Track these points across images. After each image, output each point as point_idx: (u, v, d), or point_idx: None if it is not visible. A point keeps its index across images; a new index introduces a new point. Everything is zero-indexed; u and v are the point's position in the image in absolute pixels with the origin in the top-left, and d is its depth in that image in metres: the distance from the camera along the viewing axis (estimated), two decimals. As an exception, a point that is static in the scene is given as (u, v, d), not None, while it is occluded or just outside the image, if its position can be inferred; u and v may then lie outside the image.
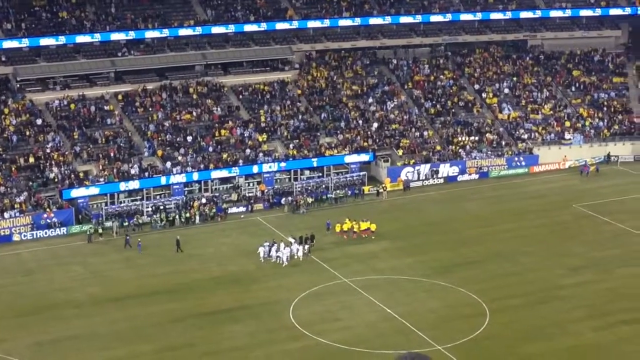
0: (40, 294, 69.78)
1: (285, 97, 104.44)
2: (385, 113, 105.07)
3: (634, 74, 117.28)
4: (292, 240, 77.48)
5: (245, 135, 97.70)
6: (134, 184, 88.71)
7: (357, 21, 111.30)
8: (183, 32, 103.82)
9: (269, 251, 75.43)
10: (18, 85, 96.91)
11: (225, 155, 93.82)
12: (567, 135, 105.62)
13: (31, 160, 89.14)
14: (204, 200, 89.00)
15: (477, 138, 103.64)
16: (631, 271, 73.12)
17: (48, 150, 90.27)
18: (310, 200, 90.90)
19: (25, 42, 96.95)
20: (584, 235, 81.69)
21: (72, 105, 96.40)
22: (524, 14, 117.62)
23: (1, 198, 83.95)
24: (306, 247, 76.78)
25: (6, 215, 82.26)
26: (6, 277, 73.62)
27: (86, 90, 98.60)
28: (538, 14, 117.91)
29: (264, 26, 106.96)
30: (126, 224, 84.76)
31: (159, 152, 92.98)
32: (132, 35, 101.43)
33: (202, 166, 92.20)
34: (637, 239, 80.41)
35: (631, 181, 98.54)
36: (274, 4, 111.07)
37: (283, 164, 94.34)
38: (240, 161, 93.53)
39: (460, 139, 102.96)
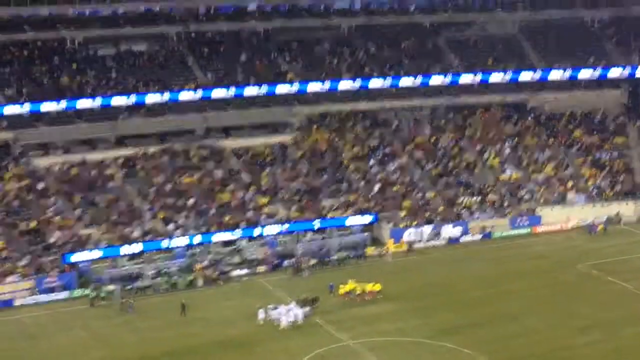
0: (43, 359, 68.97)
1: (286, 159, 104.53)
2: (387, 175, 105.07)
3: (635, 134, 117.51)
4: (293, 304, 76.76)
5: (247, 198, 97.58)
6: (136, 247, 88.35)
7: (357, 83, 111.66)
8: (183, 95, 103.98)
9: (272, 313, 74.79)
10: (19, 150, 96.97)
11: (227, 218, 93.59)
12: (569, 196, 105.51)
13: (32, 224, 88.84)
14: (206, 263, 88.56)
15: (479, 199, 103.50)
16: (638, 331, 72.46)
17: (50, 215, 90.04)
18: (313, 262, 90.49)
19: (26, 108, 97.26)
20: (590, 295, 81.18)
21: (74, 170, 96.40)
22: (524, 75, 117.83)
23: (3, 263, 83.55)
24: (307, 309, 76.19)
25: (8, 279, 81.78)
26: (7, 342, 72.80)
27: (87, 154, 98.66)
28: (537, 74, 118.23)
29: (264, 89, 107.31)
30: (129, 287, 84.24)
31: (161, 215, 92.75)
32: (133, 99, 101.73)
33: (203, 229, 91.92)
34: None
35: (635, 240, 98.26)
36: (274, 67, 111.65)
37: (285, 226, 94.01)
38: (242, 224, 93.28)
39: (462, 199, 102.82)
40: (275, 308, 75.32)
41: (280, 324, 73.81)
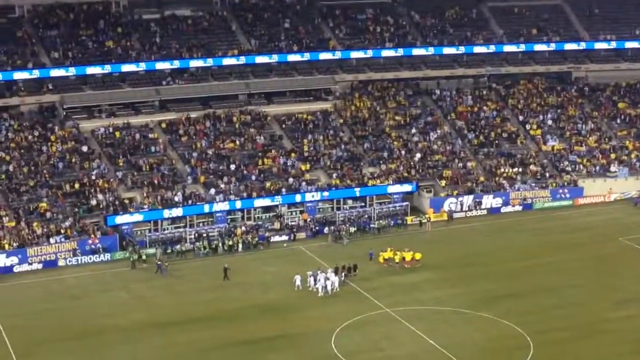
0: (85, 318, 70.22)
1: (328, 126, 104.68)
2: (428, 144, 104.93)
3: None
4: (329, 271, 77.04)
5: (288, 164, 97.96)
6: (177, 212, 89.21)
7: (400, 52, 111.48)
8: (227, 61, 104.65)
9: (313, 281, 75.20)
10: (64, 113, 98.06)
11: (268, 184, 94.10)
12: (612, 168, 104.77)
13: (76, 186, 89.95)
14: (246, 228, 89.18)
15: (520, 170, 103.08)
16: (678, 306, 72.28)
17: (93, 177, 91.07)
18: (352, 229, 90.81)
19: (72, 71, 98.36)
20: (630, 269, 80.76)
21: (117, 133, 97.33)
22: (568, 46, 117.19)
23: (47, 223, 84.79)
24: (343, 276, 76.55)
25: (52, 240, 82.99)
26: (52, 302, 74.24)
27: (131, 118, 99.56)
28: (582, 45, 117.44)
29: (307, 56, 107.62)
30: (169, 251, 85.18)
31: (202, 180, 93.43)
32: (176, 64, 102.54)
33: (244, 194, 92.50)
34: (684, 273, 79.52)
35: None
36: (317, 34, 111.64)
37: (326, 193, 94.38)
38: (283, 190, 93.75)
39: (503, 170, 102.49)
40: (312, 275, 75.71)
41: (317, 291, 74.21)
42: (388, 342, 65.34)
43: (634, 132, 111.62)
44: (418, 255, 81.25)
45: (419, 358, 62.70)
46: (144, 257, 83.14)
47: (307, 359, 62.71)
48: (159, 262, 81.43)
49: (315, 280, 75.06)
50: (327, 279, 75.16)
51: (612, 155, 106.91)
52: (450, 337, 65.95)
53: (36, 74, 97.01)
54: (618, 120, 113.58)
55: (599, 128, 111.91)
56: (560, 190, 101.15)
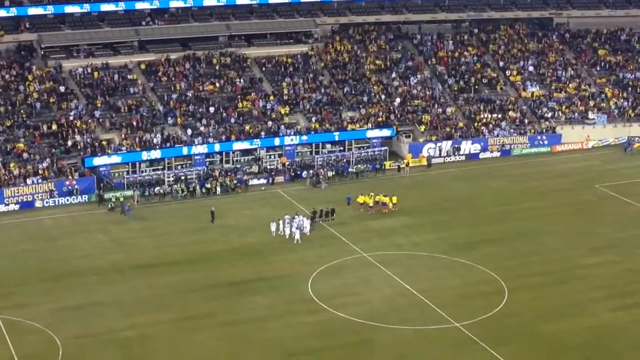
0: (63, 260, 70.33)
1: (308, 70, 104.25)
2: (408, 88, 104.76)
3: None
4: (300, 216, 76.95)
5: (268, 107, 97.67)
6: (156, 154, 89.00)
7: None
8: (207, 2, 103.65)
9: (286, 226, 75.14)
10: (42, 52, 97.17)
11: (247, 127, 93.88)
12: (590, 115, 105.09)
13: (54, 127, 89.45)
14: (225, 171, 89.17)
15: (500, 116, 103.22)
16: (652, 253, 73.04)
17: (71, 118, 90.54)
18: (331, 174, 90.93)
19: (50, 9, 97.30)
20: (606, 215, 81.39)
21: (96, 74, 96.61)
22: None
23: (24, 164, 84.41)
24: (315, 220, 76.74)
25: (29, 181, 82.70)
26: (29, 243, 74.22)
27: (110, 58, 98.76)
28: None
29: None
30: (147, 193, 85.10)
31: (181, 122, 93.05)
32: (156, 4, 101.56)
33: (223, 137, 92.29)
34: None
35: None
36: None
37: (304, 137, 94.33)
38: (262, 133, 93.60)
39: (483, 116, 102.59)
40: (286, 220, 75.58)
41: (293, 238, 74.24)
42: (364, 286, 65.79)
43: (613, 79, 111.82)
44: (394, 199, 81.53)
45: (395, 302, 63.19)
46: (114, 199, 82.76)
47: (284, 301, 63.08)
48: (121, 203, 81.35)
49: (290, 225, 74.92)
50: (299, 223, 75.35)
51: (591, 103, 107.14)
52: (426, 281, 66.46)
53: (13, 11, 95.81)
54: (598, 67, 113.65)
55: (579, 75, 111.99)
56: (539, 137, 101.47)
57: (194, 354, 55.97)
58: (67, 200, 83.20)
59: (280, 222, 75.36)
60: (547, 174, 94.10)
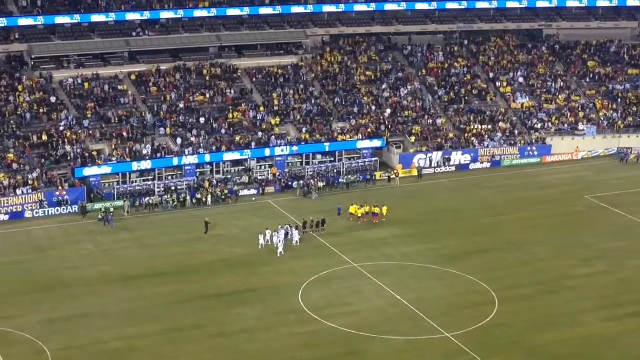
0: (51, 271, 70.09)
1: (299, 81, 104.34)
2: (399, 99, 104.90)
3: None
4: (287, 227, 76.81)
5: (258, 118, 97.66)
6: (146, 164, 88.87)
7: (373, 6, 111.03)
8: (198, 13, 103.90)
9: (275, 238, 74.87)
10: (32, 63, 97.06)
11: (237, 138, 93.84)
12: (580, 126, 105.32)
13: (44, 138, 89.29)
14: (215, 182, 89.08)
15: (490, 127, 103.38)
16: (642, 263, 73.14)
17: (61, 129, 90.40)
18: (321, 184, 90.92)
19: (40, 20, 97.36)
20: (596, 226, 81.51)
21: (86, 84, 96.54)
22: (540, 3, 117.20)
23: (14, 175, 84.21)
24: (302, 230, 76.58)
25: (19, 192, 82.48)
26: (18, 254, 73.99)
27: (100, 69, 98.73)
28: (554, 3, 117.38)
29: (279, 9, 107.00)
30: (137, 204, 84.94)
31: (171, 133, 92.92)
32: (147, 15, 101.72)
33: (214, 148, 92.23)
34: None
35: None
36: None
37: (295, 148, 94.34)
38: (253, 144, 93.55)
39: (473, 127, 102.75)
40: (274, 232, 75.22)
41: (278, 249, 73.89)
42: (355, 297, 65.71)
43: (603, 91, 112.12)
44: (385, 210, 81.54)
45: (386, 313, 63.12)
46: (105, 209, 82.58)
47: (274, 313, 62.95)
48: (104, 213, 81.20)
49: (276, 237, 74.62)
50: (287, 234, 75.26)
51: (581, 114, 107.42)
52: (417, 292, 66.42)
53: (3, 22, 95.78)
54: (587, 79, 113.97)
55: (569, 86, 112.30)
56: (529, 148, 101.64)
57: (184, 365, 55.87)
58: (57, 210, 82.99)
59: (267, 234, 74.99)
60: (537, 184, 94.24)
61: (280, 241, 73.85)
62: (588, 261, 73.15)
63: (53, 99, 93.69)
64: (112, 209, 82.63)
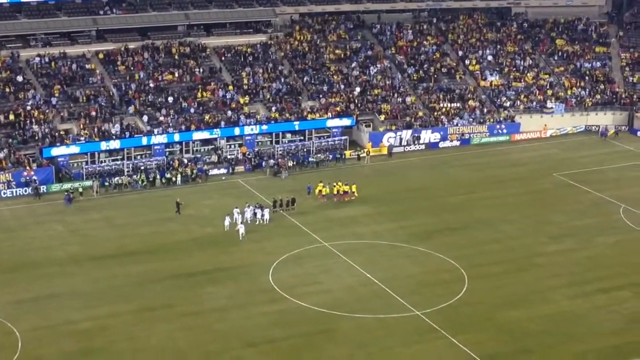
0: (20, 251, 69.62)
1: (268, 59, 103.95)
2: (368, 78, 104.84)
3: (617, 44, 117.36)
4: (252, 206, 76.63)
5: (227, 97, 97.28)
6: (115, 144, 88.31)
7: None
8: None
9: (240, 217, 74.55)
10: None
11: (207, 117, 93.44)
12: (549, 104, 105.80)
13: (11, 117, 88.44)
14: (185, 161, 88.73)
15: (459, 105, 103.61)
16: (609, 240, 73.55)
17: (28, 108, 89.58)
18: (291, 163, 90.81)
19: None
20: (564, 204, 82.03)
21: (53, 63, 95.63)
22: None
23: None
24: (265, 213, 76.23)
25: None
26: (-15, 234, 73.53)
27: (67, 48, 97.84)
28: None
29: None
30: (107, 183, 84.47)
31: (140, 112, 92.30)
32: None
33: (183, 127, 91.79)
34: (616, 208, 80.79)
35: (611, 151, 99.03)
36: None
37: (265, 127, 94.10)
38: (222, 123, 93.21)
39: (442, 105, 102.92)
40: (240, 213, 74.89)
41: (239, 234, 73.19)
42: (325, 276, 65.81)
43: (571, 69, 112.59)
44: (354, 188, 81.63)
45: (356, 291, 63.26)
46: (80, 190, 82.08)
47: (245, 292, 62.92)
48: (66, 193, 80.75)
49: (242, 216, 74.48)
50: (255, 213, 75.26)
51: (549, 92, 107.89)
52: (387, 270, 66.61)
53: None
54: (556, 57, 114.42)
55: (537, 64, 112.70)
56: (498, 126, 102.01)
57: (154, 345, 55.67)
58: (25, 191, 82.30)
59: (235, 214, 74.64)
60: (506, 162, 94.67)
61: (242, 224, 73.12)
62: (557, 238, 73.68)
63: (20, 78, 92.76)
64: (72, 190, 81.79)
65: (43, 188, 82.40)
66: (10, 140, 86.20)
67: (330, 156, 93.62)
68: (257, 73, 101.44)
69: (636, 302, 62.36)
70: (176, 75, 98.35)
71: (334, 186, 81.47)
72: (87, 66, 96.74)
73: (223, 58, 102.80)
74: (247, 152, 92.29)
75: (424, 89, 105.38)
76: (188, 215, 77.86)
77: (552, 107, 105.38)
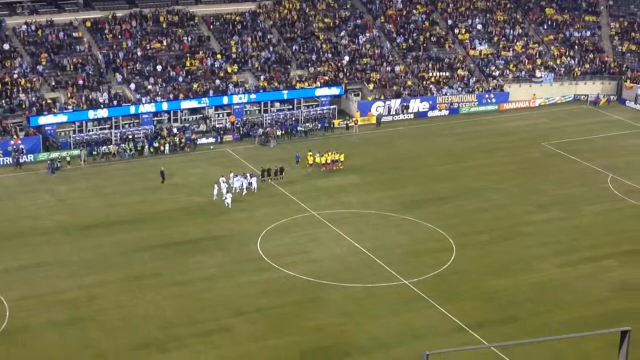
0: (7, 220, 69.51)
1: (257, 28, 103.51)
2: (357, 47, 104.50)
3: (606, 13, 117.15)
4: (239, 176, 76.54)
5: (216, 66, 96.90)
6: (103, 113, 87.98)
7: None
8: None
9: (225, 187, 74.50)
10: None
11: (195, 86, 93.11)
12: (538, 73, 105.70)
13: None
14: (174, 131, 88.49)
15: (448, 74, 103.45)
16: (597, 209, 73.78)
17: (15, 76, 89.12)
18: (279, 132, 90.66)
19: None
20: (552, 173, 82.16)
21: (40, 31, 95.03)
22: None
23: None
24: (252, 180, 76.20)
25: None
26: (-28, 203, 73.33)
27: (54, 15, 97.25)
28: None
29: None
30: (95, 152, 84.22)
31: (128, 81, 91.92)
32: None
33: (171, 96, 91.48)
34: (603, 177, 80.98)
35: (599, 120, 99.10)
36: None
37: (253, 96, 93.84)
38: (210, 92, 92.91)
39: (431, 74, 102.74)
40: (225, 182, 74.77)
41: (226, 202, 73.18)
42: (314, 245, 65.88)
43: (560, 38, 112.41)
44: (342, 157, 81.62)
45: (345, 260, 63.38)
46: (68, 158, 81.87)
47: (233, 261, 63.00)
48: (49, 162, 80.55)
49: (228, 187, 74.43)
50: (242, 183, 75.23)
51: (538, 61, 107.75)
52: (375, 239, 66.72)
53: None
54: (545, 26, 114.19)
55: (526, 33, 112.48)
56: (487, 95, 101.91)
57: (142, 314, 55.76)
58: (12, 159, 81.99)
59: (221, 182, 74.59)
60: (495, 132, 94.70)
61: (228, 193, 73.18)
62: (544, 207, 73.85)
63: (6, 46, 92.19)
64: (59, 159, 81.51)
65: (25, 157, 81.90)
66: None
67: (319, 125, 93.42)
68: (245, 42, 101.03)
69: (622, 271, 62.69)
70: (164, 43, 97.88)
71: (323, 156, 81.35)
72: (75, 34, 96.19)
73: (211, 26, 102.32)
74: (236, 121, 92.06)
75: (413, 58, 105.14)
76: (176, 184, 77.77)
77: (541, 77, 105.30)
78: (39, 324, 54.41)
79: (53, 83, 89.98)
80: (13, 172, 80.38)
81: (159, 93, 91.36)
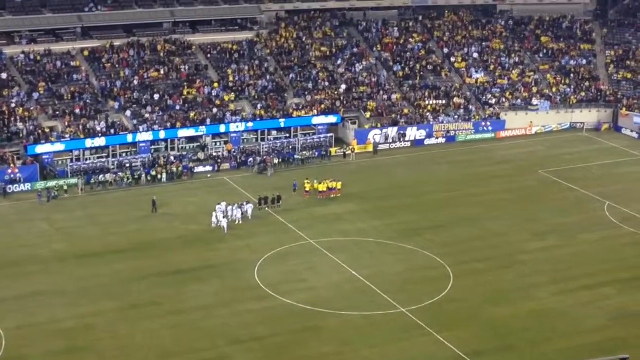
0: (4, 249, 69.40)
1: (254, 57, 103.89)
2: (354, 75, 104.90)
3: (601, 42, 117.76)
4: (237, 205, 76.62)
5: (213, 94, 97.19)
6: (100, 141, 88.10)
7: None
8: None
9: (221, 215, 74.46)
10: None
11: (192, 114, 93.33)
12: (534, 101, 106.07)
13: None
14: (171, 159, 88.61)
15: (444, 102, 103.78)
16: (593, 237, 73.87)
17: (13, 105, 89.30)
18: (277, 161, 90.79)
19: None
20: (549, 201, 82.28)
21: (38, 59, 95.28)
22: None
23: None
24: (248, 208, 76.26)
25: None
26: (-31, 232, 73.23)
27: (52, 45, 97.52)
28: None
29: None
30: (92, 181, 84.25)
31: (126, 110, 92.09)
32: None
33: (168, 124, 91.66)
34: (600, 205, 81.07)
35: (596, 148, 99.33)
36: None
37: (250, 124, 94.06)
38: (208, 120, 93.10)
39: (428, 102, 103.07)
40: (221, 210, 74.81)
41: (223, 229, 73.40)
42: (311, 273, 65.87)
43: (556, 66, 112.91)
44: (339, 185, 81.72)
45: (342, 288, 63.36)
46: (65, 187, 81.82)
47: (231, 289, 62.95)
48: (39, 192, 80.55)
49: (224, 214, 74.46)
50: (239, 210, 75.31)
51: (534, 89, 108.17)
52: (372, 268, 66.73)
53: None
54: (541, 54, 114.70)
55: (522, 62, 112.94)
56: (483, 123, 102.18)
57: (140, 343, 55.66)
58: (10, 188, 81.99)
59: (217, 209, 74.70)
60: (492, 160, 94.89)
61: (224, 219, 73.37)
62: (541, 235, 73.92)
63: (4, 75, 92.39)
64: (57, 188, 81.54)
65: (22, 186, 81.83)
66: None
67: (316, 153, 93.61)
68: (242, 70, 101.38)
69: (620, 299, 62.71)
70: (162, 72, 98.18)
71: (321, 184, 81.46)
72: (72, 63, 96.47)
73: (209, 55, 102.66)
74: (233, 150, 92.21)
75: (410, 86, 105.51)
76: (173, 212, 77.77)
77: (537, 105, 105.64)
78: (36, 354, 54.27)
79: (50, 112, 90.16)
80: (33, 199, 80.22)
81: (157, 121, 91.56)
